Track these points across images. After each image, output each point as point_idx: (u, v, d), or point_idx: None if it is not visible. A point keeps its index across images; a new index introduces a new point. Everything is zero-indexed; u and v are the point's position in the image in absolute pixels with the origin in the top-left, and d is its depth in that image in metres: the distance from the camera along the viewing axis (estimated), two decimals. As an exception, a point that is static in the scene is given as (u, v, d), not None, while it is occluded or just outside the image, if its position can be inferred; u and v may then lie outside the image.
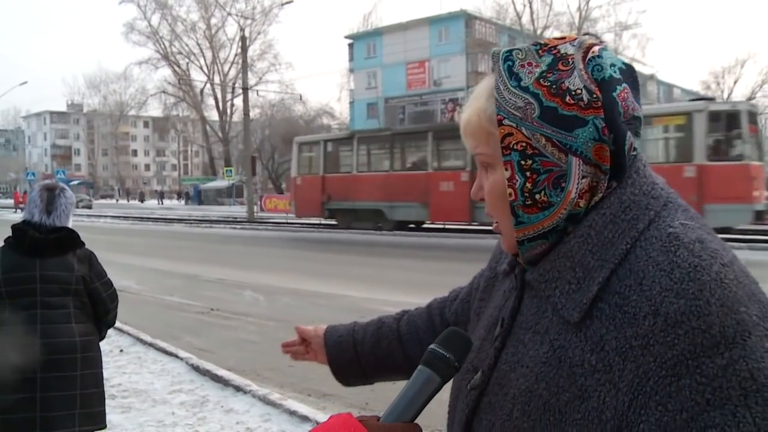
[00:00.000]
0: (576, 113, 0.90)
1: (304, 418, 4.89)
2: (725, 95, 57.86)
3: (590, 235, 0.91)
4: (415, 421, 0.95)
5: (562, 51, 0.94)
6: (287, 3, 46.69)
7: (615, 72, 0.93)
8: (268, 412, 5.19)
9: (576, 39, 0.96)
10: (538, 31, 43.89)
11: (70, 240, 3.28)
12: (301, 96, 48.57)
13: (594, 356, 0.85)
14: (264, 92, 52.57)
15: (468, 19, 52.12)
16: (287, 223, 30.26)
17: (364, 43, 59.54)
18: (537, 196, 0.92)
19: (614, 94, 0.92)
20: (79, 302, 3.26)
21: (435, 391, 0.95)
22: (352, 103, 60.93)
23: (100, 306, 3.34)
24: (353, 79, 61.20)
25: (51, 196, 3.29)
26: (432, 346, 0.98)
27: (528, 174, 0.92)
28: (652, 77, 56.48)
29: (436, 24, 53.78)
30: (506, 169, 0.93)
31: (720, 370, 0.76)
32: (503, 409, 0.95)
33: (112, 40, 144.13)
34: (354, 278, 13.19)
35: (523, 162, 0.92)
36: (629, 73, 0.95)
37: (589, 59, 0.93)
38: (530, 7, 44.04)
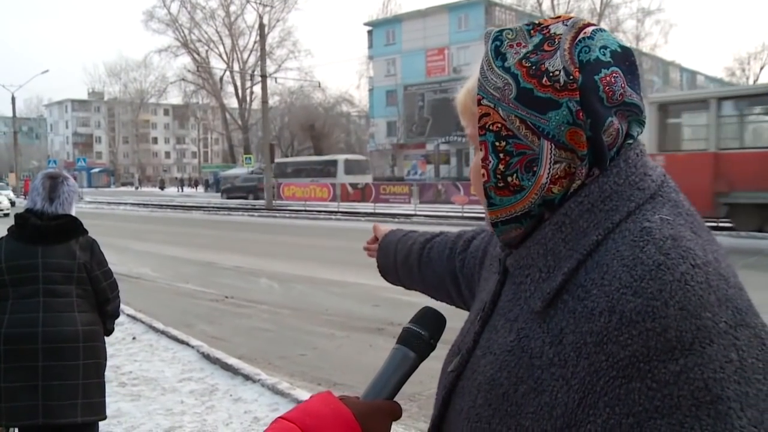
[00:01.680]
0: (550, 95, 0.86)
1: (312, 408, 4.84)
2: (751, 82, 56.96)
3: (564, 223, 0.88)
4: (394, 399, 0.97)
5: (552, 31, 0.90)
6: (306, -10, 46.56)
7: (604, 55, 0.88)
8: (277, 402, 5.16)
9: (571, 18, 0.92)
10: (559, 18, 43.54)
11: (72, 227, 3.26)
12: (319, 83, 48.58)
13: (552, 349, 0.82)
14: (283, 80, 52.66)
15: (488, 5, 51.74)
16: (305, 210, 30.27)
17: (383, 30, 59.36)
18: (509, 179, 0.89)
19: (597, 77, 0.86)
20: (83, 290, 3.23)
21: (412, 368, 0.99)
22: (371, 90, 60.87)
23: (99, 294, 3.31)
24: (372, 67, 61.10)
25: (53, 184, 3.26)
26: (407, 324, 1.02)
27: (501, 156, 0.89)
28: (673, 63, 55.88)
29: (455, 11, 53.46)
30: (480, 149, 0.91)
31: (672, 377, 0.72)
32: (470, 394, 0.94)
33: (132, 28, 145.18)
34: (369, 266, 13.08)
35: (497, 143, 0.89)
36: (625, 57, 0.89)
37: (578, 40, 0.88)
38: (551, -8, 43.58)
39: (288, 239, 19.39)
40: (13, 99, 57.37)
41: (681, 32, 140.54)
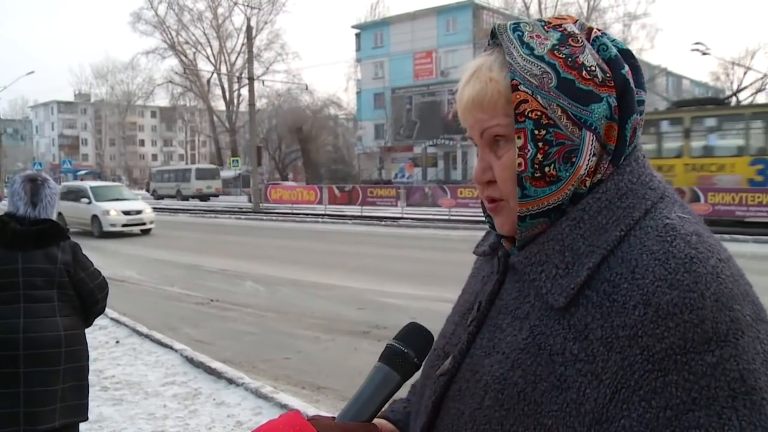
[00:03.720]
0: (592, 89, 0.88)
1: (295, 412, 4.83)
2: (735, 86, 57.39)
3: (583, 219, 0.88)
4: (373, 421, 0.93)
5: (569, 29, 0.93)
6: (294, -8, 46.53)
7: (619, 53, 0.92)
8: (260, 405, 5.14)
9: (576, 21, 0.95)
10: (546, 21, 43.72)
11: (53, 232, 3.20)
12: (307, 86, 48.36)
13: (577, 345, 0.81)
14: (270, 82, 52.54)
15: (475, 8, 51.86)
16: (292, 213, 30.21)
17: (371, 32, 59.35)
18: (546, 169, 0.88)
19: (623, 71, 0.90)
20: (64, 295, 3.18)
21: (394, 389, 0.94)
22: (359, 93, 60.81)
23: (88, 297, 3.27)
24: (360, 69, 61.05)
25: (35, 187, 3.21)
26: (390, 341, 0.96)
27: (540, 145, 0.88)
28: (660, 68, 56.11)
29: (443, 14, 53.54)
30: (518, 137, 0.89)
31: (709, 368, 0.72)
32: (474, 396, 0.90)
33: (118, 29, 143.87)
34: (354, 269, 13.11)
35: (536, 131, 0.88)
36: (629, 57, 0.94)
37: (593, 39, 0.93)
38: (538, -4, 43.77)
39: (274, 242, 19.33)
40: (-2, 100, 56.93)
41: (667, 37, 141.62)
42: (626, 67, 0.91)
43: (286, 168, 61.18)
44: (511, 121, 0.90)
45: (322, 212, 29.05)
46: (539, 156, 0.88)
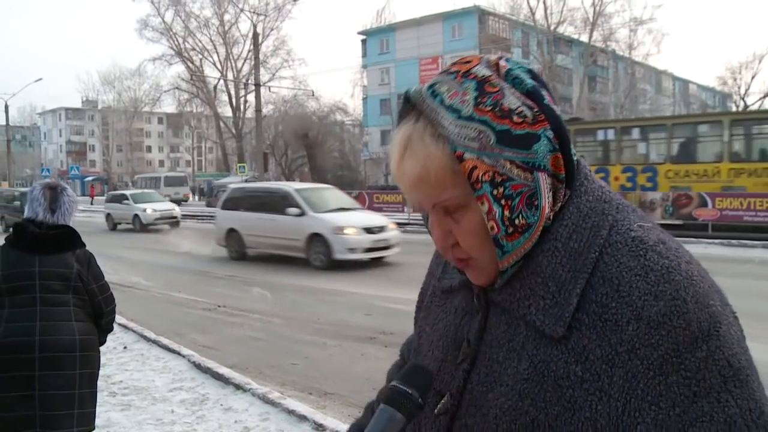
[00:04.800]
0: (528, 130, 0.89)
1: (302, 418, 4.84)
2: (742, 91, 57.23)
3: (557, 248, 0.91)
4: None
5: (480, 74, 0.92)
6: (300, -1, 46.70)
7: (532, 80, 0.93)
8: (267, 411, 5.15)
9: (480, 61, 0.94)
10: (552, 27, 43.63)
11: (70, 238, 3.25)
12: (313, 92, 48.55)
13: (579, 367, 0.85)
14: (277, 88, 52.61)
15: (481, 14, 51.89)
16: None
17: (377, 38, 59.45)
18: (516, 221, 0.90)
19: (545, 102, 0.91)
20: (80, 300, 3.21)
21: (399, 431, 0.91)
22: (365, 99, 60.86)
23: (95, 308, 3.30)
24: (366, 75, 61.14)
25: (54, 194, 3.27)
26: (393, 382, 0.95)
27: (503, 202, 0.89)
28: (666, 73, 56.10)
29: (449, 19, 53.61)
30: (482, 203, 0.89)
31: (701, 363, 0.80)
32: (485, 431, 0.93)
33: (125, 36, 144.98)
34: (361, 275, 13.09)
35: (495, 191, 0.89)
36: (536, 75, 0.95)
37: (505, 75, 0.92)
38: (544, 2, 43.72)
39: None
40: (6, 107, 57.08)
41: (674, 42, 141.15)
42: (546, 96, 0.92)
43: (293, 174, 61.10)
44: (461, 191, 0.90)
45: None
46: (506, 213, 0.89)
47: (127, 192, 30.22)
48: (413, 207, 1.01)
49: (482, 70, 0.92)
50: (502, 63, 0.94)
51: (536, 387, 0.88)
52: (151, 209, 26.68)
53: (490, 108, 0.89)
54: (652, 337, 0.81)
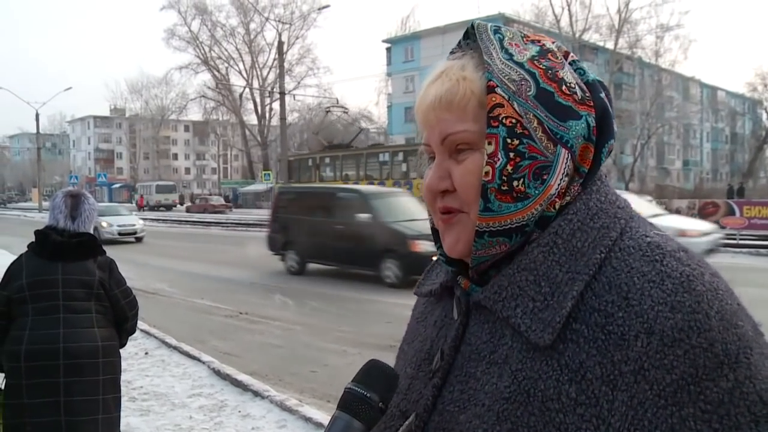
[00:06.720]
0: (571, 104, 0.82)
1: (320, 425, 4.84)
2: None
3: (556, 244, 0.80)
4: None
5: (547, 45, 0.87)
6: (324, 7, 47.07)
7: (595, 78, 0.87)
8: (285, 418, 5.15)
9: (554, 41, 0.89)
10: (577, 34, 43.40)
11: (92, 246, 3.28)
12: (338, 100, 48.69)
13: (573, 387, 0.72)
14: (302, 96, 52.94)
15: (506, 22, 51.72)
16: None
17: (402, 46, 59.60)
18: (515, 183, 0.80)
19: (601, 95, 0.86)
20: (101, 306, 3.25)
21: None
22: (390, 107, 61.01)
23: (119, 313, 3.33)
24: (391, 83, 61.32)
25: (75, 202, 3.30)
26: (349, 384, 0.84)
27: (511, 155, 0.79)
28: (693, 79, 55.49)
29: (473, 27, 53.48)
30: (489, 143, 0.80)
31: (726, 395, 0.66)
32: None
33: (153, 45, 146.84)
34: (383, 283, 13.06)
35: (509, 140, 0.79)
36: (604, 87, 0.88)
37: (570, 62, 0.88)
38: (569, 9, 43.57)
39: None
40: (37, 116, 58.08)
41: (701, 48, 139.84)
42: (603, 94, 0.86)
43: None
44: (480, 128, 0.82)
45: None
46: (509, 167, 0.80)
47: None
48: (421, 149, 0.91)
49: (550, 45, 0.87)
50: (572, 55, 0.89)
51: (519, 408, 0.75)
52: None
53: (543, 68, 0.83)
54: (665, 357, 0.68)
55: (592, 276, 0.76)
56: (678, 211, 18.13)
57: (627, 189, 45.75)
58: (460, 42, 0.92)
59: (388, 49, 61.44)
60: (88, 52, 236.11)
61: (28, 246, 3.29)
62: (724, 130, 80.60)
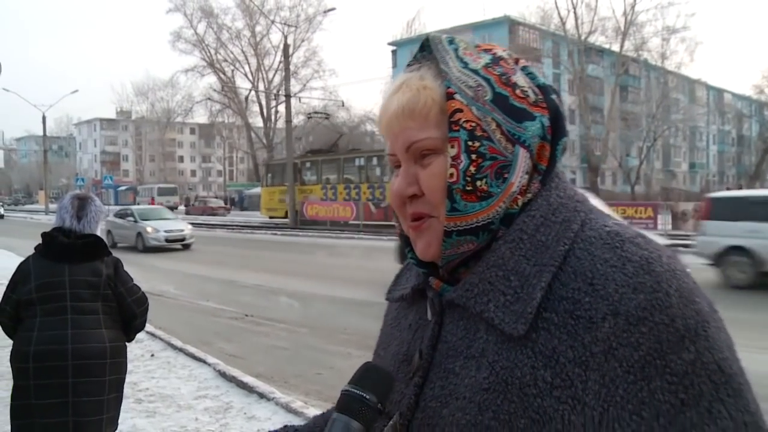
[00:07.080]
0: (525, 107, 0.88)
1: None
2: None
3: (522, 239, 0.85)
4: None
5: (498, 53, 0.93)
6: (330, 10, 47.15)
7: (545, 82, 0.93)
8: (290, 420, 5.15)
9: (504, 50, 0.95)
10: (583, 37, 43.28)
11: (98, 247, 3.31)
12: (343, 102, 48.81)
13: (548, 372, 0.76)
14: (307, 99, 52.97)
15: (511, 24, 51.89)
16: (328, 229, 30.37)
17: (408, 49, 59.55)
18: (478, 183, 0.85)
19: (553, 97, 0.91)
20: (108, 307, 3.27)
21: None
22: (395, 109, 60.99)
23: (126, 311, 3.35)
24: (396, 86, 61.30)
25: (82, 203, 3.34)
26: (346, 386, 0.85)
27: (473, 157, 0.85)
28: (699, 82, 55.39)
29: (479, 30, 53.59)
30: (452, 146, 0.85)
31: (689, 366, 0.72)
32: None
33: (159, 48, 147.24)
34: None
35: (470, 143, 0.85)
36: (554, 91, 0.94)
37: (521, 67, 0.93)
38: (574, 12, 43.43)
39: (310, 258, 19.41)
40: (44, 118, 58.44)
41: (707, 50, 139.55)
42: (554, 96, 0.91)
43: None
44: (442, 134, 0.87)
45: (360, 228, 29.13)
46: (472, 168, 0.85)
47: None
48: (390, 147, 0.93)
49: (501, 53, 0.93)
50: (523, 61, 0.94)
51: (498, 397, 0.79)
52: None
53: (497, 74, 0.89)
54: (631, 335, 0.72)
55: (558, 267, 0.81)
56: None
57: (632, 192, 45.70)
58: (416, 55, 0.96)
59: (394, 52, 61.59)
60: (94, 55, 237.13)
61: (35, 248, 3.32)
62: (731, 132, 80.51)
